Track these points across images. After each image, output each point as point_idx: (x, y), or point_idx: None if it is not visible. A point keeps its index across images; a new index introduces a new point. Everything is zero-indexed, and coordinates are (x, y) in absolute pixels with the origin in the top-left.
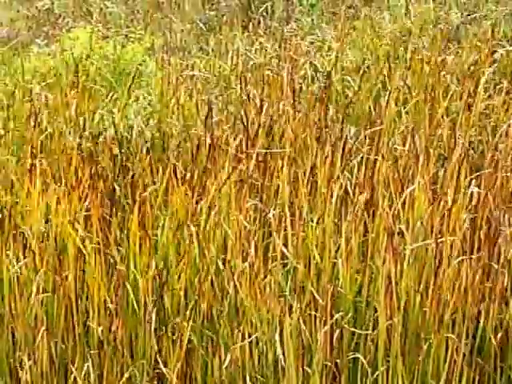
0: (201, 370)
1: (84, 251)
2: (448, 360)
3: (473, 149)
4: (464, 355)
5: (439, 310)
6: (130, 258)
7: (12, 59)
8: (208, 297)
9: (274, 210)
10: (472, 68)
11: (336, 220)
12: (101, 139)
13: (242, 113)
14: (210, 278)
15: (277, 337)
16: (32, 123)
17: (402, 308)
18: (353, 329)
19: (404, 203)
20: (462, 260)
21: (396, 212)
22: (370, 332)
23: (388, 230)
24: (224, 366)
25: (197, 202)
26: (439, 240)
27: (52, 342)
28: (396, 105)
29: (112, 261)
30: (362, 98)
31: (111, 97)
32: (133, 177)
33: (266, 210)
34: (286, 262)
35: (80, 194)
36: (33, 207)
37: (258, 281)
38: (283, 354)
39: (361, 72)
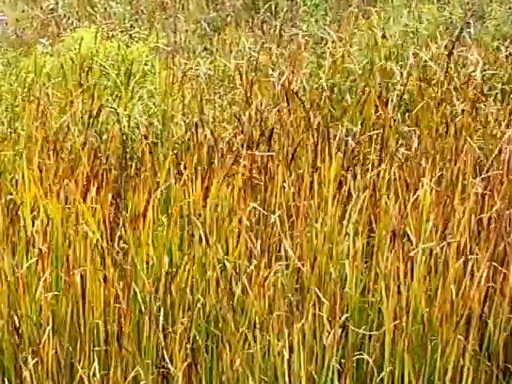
0: (206, 369)
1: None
2: (454, 360)
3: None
4: (471, 356)
5: (446, 311)
6: (135, 257)
7: (17, 59)
8: (213, 296)
9: (277, 211)
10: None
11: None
12: (105, 137)
13: (244, 113)
14: (214, 276)
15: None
16: (38, 122)
17: (409, 309)
18: (359, 330)
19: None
20: (468, 260)
21: (402, 213)
22: (375, 333)
23: (394, 231)
24: (234, 368)
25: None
26: (445, 242)
27: (58, 341)
28: (399, 108)
29: (118, 259)
30: (365, 98)
31: (116, 96)
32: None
33: (268, 212)
34: (288, 263)
35: (85, 191)
36: (38, 206)
37: (261, 280)
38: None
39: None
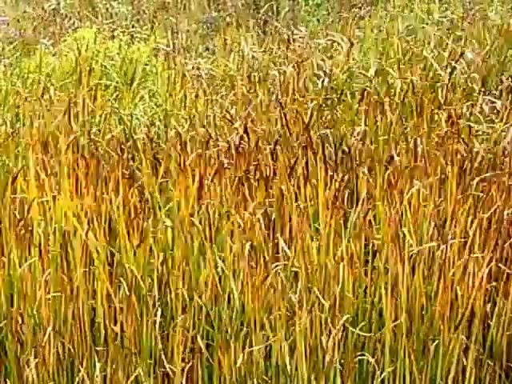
0: (205, 369)
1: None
2: (456, 360)
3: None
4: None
5: (448, 311)
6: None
7: (19, 59)
8: (209, 297)
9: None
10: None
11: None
12: (108, 137)
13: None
14: (210, 277)
15: (284, 343)
16: (40, 122)
17: (408, 309)
18: (361, 332)
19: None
20: (469, 260)
21: (400, 214)
22: (375, 334)
23: (393, 232)
24: (236, 366)
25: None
26: (447, 243)
27: (59, 341)
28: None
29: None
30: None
31: (117, 96)
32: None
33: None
34: (288, 263)
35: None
36: (39, 205)
37: (260, 281)
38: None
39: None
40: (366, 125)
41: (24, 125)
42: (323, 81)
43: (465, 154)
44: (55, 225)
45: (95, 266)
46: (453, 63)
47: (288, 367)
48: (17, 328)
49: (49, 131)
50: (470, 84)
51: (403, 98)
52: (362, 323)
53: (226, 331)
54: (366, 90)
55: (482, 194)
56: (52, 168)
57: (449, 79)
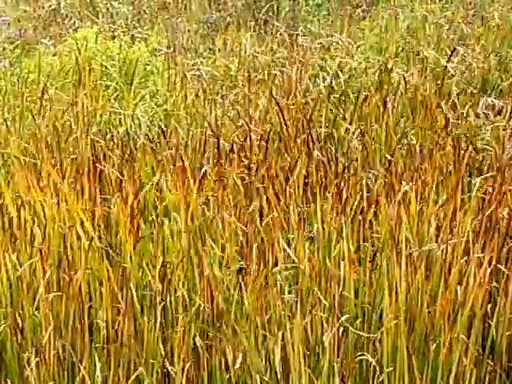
0: (207, 370)
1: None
2: (457, 360)
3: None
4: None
5: (448, 311)
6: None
7: (19, 59)
8: (207, 297)
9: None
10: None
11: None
12: (108, 137)
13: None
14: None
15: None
16: (40, 122)
17: (408, 309)
18: (360, 332)
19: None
20: (469, 260)
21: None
22: (374, 335)
23: (392, 232)
24: (236, 367)
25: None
26: (447, 242)
27: (59, 341)
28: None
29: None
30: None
31: (117, 96)
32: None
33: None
34: (290, 265)
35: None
36: (37, 205)
37: (259, 282)
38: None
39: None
40: (366, 124)
41: (24, 125)
42: (325, 80)
43: (464, 153)
44: (55, 225)
45: (95, 265)
46: (452, 59)
47: (279, 370)
48: (16, 328)
49: (48, 130)
50: (470, 83)
51: (401, 95)
52: (361, 323)
53: (226, 331)
54: (366, 89)
55: (482, 195)
56: (50, 168)
57: (445, 68)
